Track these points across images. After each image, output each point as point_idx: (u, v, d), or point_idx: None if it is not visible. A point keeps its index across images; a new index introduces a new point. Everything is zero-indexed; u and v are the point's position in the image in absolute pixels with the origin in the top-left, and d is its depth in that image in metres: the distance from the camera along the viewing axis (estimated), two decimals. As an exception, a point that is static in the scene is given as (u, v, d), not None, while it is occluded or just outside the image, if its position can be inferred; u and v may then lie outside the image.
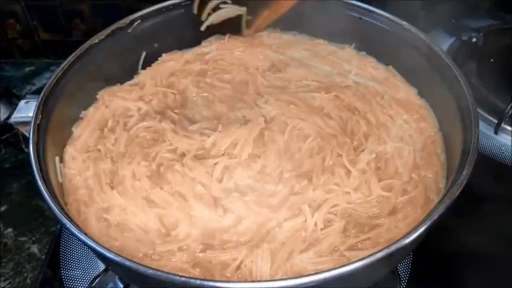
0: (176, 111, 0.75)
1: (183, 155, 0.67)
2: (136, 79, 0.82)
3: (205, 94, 0.78)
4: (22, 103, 0.69)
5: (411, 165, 0.66)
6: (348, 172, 0.64)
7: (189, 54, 0.86)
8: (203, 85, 0.79)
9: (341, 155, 0.66)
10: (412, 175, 0.65)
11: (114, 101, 0.76)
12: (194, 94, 0.79)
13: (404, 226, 0.59)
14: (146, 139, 0.70)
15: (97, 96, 0.78)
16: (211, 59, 0.84)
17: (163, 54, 0.85)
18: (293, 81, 0.79)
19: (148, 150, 0.68)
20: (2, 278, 0.75)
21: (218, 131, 0.68)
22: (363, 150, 0.67)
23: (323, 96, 0.75)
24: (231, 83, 0.80)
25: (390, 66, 0.81)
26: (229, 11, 0.84)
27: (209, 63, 0.83)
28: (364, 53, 0.84)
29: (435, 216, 0.51)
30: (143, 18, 0.80)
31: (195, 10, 0.83)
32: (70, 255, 0.74)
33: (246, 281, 0.54)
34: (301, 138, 0.69)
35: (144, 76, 0.82)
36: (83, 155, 0.69)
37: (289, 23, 0.87)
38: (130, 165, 0.66)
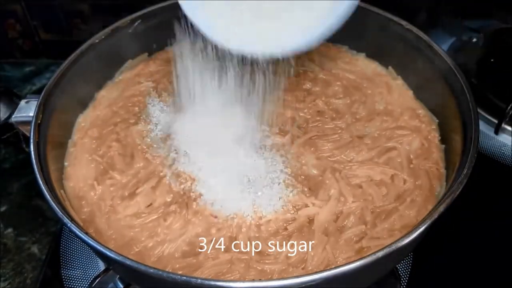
0: None
1: None
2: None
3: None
4: (22, 102, 0.69)
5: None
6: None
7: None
8: None
9: None
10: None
11: None
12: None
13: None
14: None
15: (96, 96, 0.78)
16: None
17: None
18: None
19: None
20: (2, 278, 0.75)
21: None
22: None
23: None
24: None
25: (390, 67, 0.81)
26: None
27: None
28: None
29: (435, 216, 0.51)
30: (143, 18, 0.80)
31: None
32: (70, 255, 0.74)
33: (246, 280, 0.55)
34: None
35: None
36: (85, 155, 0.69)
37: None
38: None
